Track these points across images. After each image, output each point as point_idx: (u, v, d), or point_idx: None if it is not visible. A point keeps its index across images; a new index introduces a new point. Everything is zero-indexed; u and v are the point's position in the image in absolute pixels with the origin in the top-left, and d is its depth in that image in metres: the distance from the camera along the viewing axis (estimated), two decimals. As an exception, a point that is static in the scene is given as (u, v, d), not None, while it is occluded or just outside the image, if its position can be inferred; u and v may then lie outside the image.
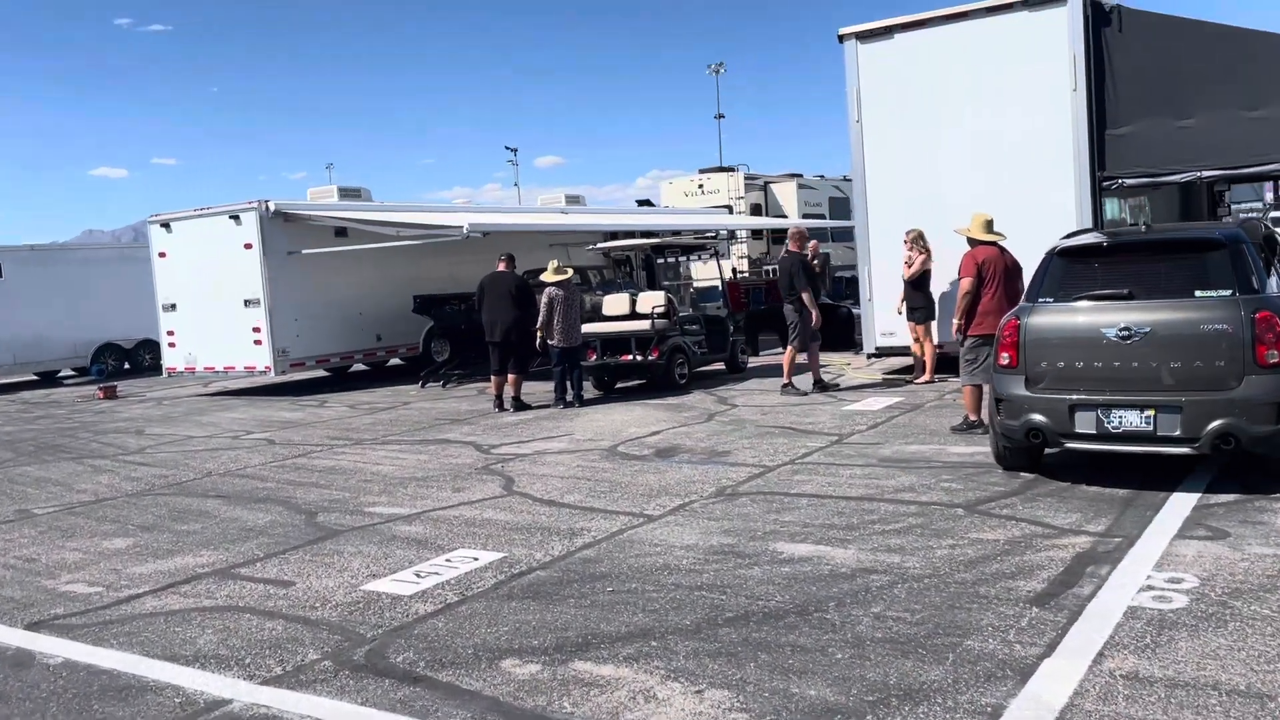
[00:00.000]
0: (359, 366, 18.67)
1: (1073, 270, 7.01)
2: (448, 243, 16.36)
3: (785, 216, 29.17)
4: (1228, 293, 6.38)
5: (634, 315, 13.70)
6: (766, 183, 30.31)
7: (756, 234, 27.75)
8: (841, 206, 32.26)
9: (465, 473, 8.95)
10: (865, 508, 6.72)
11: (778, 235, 28.52)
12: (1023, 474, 7.31)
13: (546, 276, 12.74)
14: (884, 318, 13.03)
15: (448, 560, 6.19)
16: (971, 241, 9.15)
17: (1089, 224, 11.60)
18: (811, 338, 12.14)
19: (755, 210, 29.17)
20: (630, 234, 21.11)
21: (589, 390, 13.38)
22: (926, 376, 12.35)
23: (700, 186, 29.60)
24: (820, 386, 12.16)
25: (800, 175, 31.11)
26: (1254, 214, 17.00)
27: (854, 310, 16.61)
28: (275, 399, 16.15)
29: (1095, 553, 5.45)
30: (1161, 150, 11.31)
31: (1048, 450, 7.22)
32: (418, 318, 17.51)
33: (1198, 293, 6.48)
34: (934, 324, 12.37)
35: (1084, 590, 4.89)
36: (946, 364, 12.53)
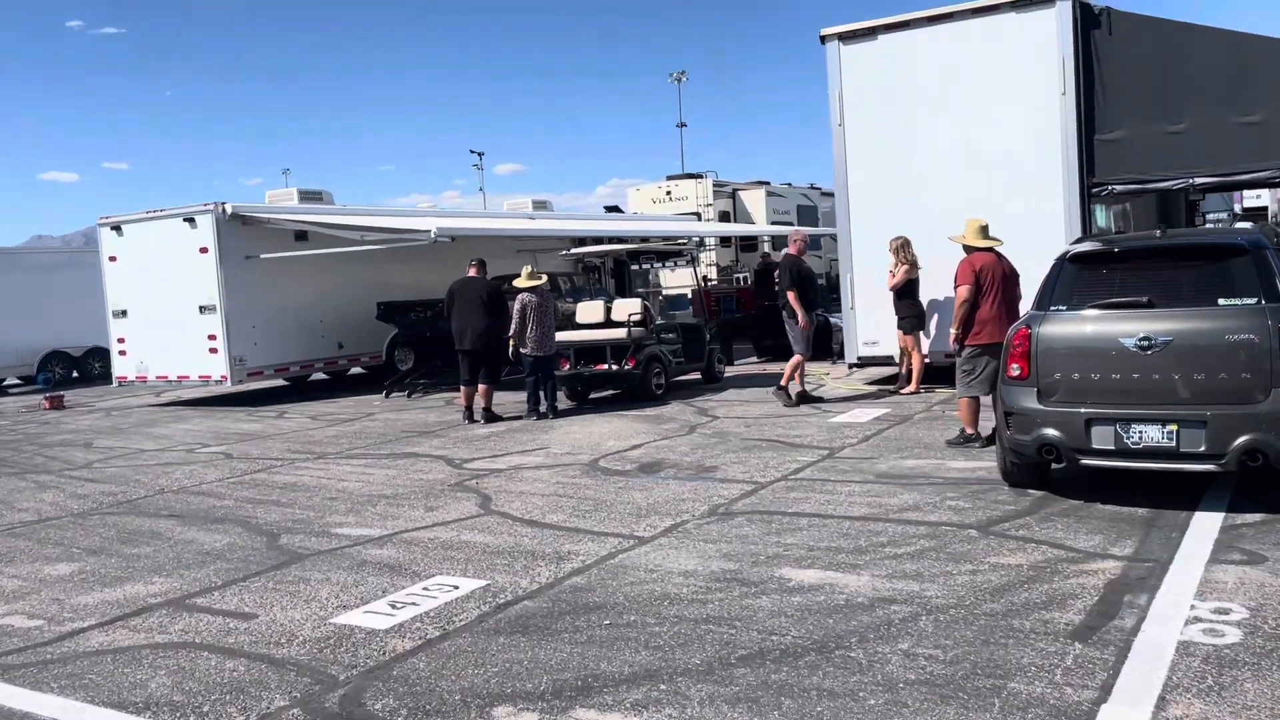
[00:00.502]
0: (319, 375, 18.02)
1: (1086, 277, 6.66)
2: (413, 248, 15.82)
3: (754, 224, 28.91)
4: (1253, 300, 6.05)
5: (609, 323, 13.25)
6: (735, 190, 30.01)
7: (725, 241, 27.43)
8: (809, 214, 32.14)
9: (438, 490, 8.44)
10: (871, 529, 6.31)
11: (746, 243, 28.27)
12: (1031, 491, 6.95)
13: (520, 282, 12.26)
14: (866, 326, 12.68)
15: (425, 589, 5.69)
16: (967, 248, 8.80)
17: (1078, 230, 11.33)
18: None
19: (723, 217, 28.84)
20: (599, 240, 20.72)
21: (562, 401, 12.89)
22: (912, 387, 12.01)
23: (668, 193, 29.21)
24: (803, 398, 11.75)
25: (768, 183, 30.89)
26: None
27: (830, 319, 16.31)
28: (231, 410, 15.50)
29: (1128, 579, 5.07)
30: (1152, 156, 11.08)
31: (1054, 465, 6.86)
32: (381, 325, 16.94)
33: (1221, 301, 6.15)
34: (922, 334, 12.05)
35: (1126, 622, 4.50)
36: (931, 375, 12.24)
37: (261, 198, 18.39)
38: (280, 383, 17.60)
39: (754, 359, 17.77)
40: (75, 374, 23.38)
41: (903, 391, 12.05)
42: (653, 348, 13.13)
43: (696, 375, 14.45)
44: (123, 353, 16.86)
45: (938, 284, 12.10)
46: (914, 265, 11.92)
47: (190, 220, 15.54)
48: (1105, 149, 11.30)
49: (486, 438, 11.05)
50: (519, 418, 12.27)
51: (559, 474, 8.76)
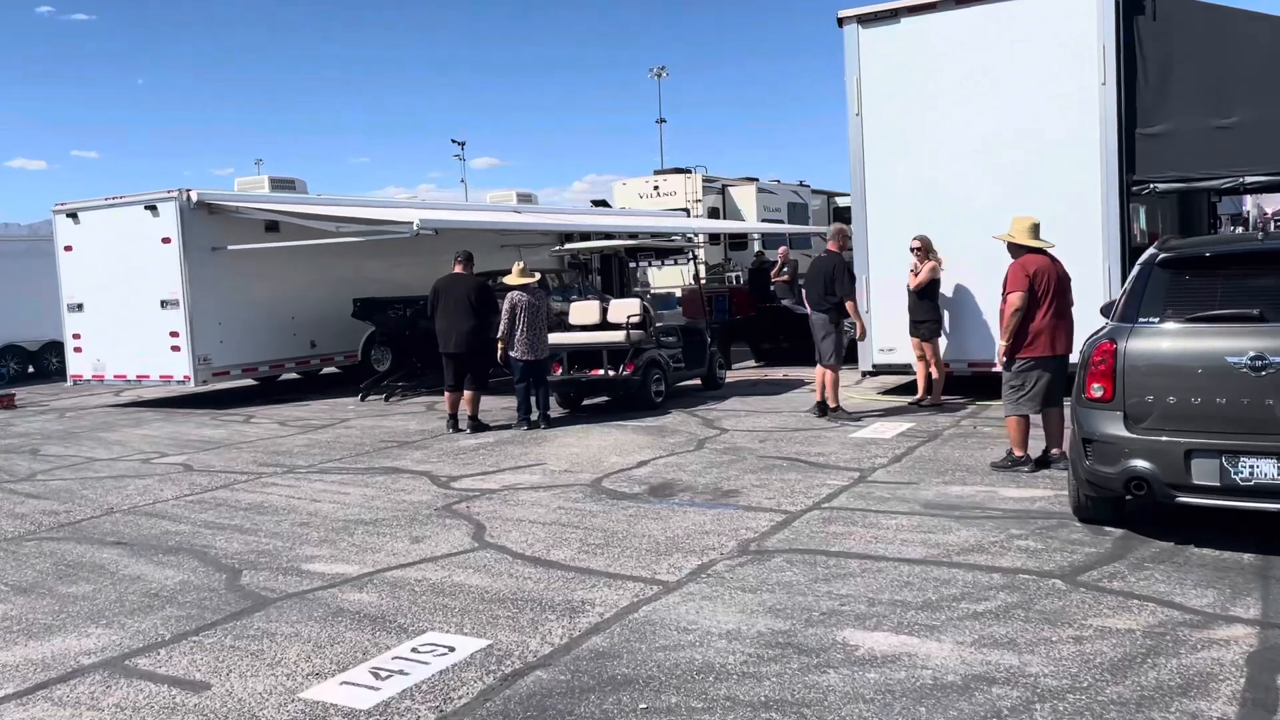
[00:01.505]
0: (289, 376, 16.94)
1: (1180, 284, 5.80)
2: (392, 241, 14.81)
3: (744, 220, 28.10)
4: (1384, 316, 5.21)
5: (605, 325, 12.30)
6: (724, 185, 29.18)
7: (714, 239, 26.56)
8: (799, 212, 31.37)
9: (423, 515, 7.47)
10: (936, 576, 5.41)
11: (735, 241, 27.43)
12: (1108, 529, 6.07)
13: (511, 279, 11.29)
14: (883, 331, 11.79)
15: (415, 651, 4.73)
16: (1014, 249, 7.93)
17: (1117, 232, 10.52)
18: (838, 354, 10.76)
19: (713, 214, 28.01)
20: (586, 235, 19.78)
21: (553, 408, 11.92)
22: (933, 398, 11.14)
23: (656, 188, 28.33)
24: (821, 410, 10.80)
25: (756, 179, 30.14)
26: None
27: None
28: (194, 413, 14.43)
29: (1271, 653, 4.20)
30: (1198, 152, 10.25)
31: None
32: (356, 323, 15.89)
33: (1346, 315, 5.29)
34: (941, 340, 11.19)
35: (1295, 718, 3.62)
36: (950, 386, 11.41)
37: (232, 187, 17.28)
38: (248, 383, 16.52)
39: (751, 363, 16.86)
40: (31, 369, 22.18)
41: (923, 403, 11.18)
42: (652, 352, 12.19)
43: (696, 381, 13.54)
44: (78, 349, 15.73)
45: (958, 287, 11.30)
46: (939, 264, 11.07)
47: (152, 208, 14.44)
48: (1147, 144, 10.47)
49: (474, 450, 10.08)
50: (508, 427, 11.31)
51: (559, 497, 7.81)
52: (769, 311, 17.29)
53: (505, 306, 11.10)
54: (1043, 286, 7.57)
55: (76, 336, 15.71)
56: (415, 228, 12.67)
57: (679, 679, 4.26)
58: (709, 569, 5.75)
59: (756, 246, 26.58)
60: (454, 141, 66.16)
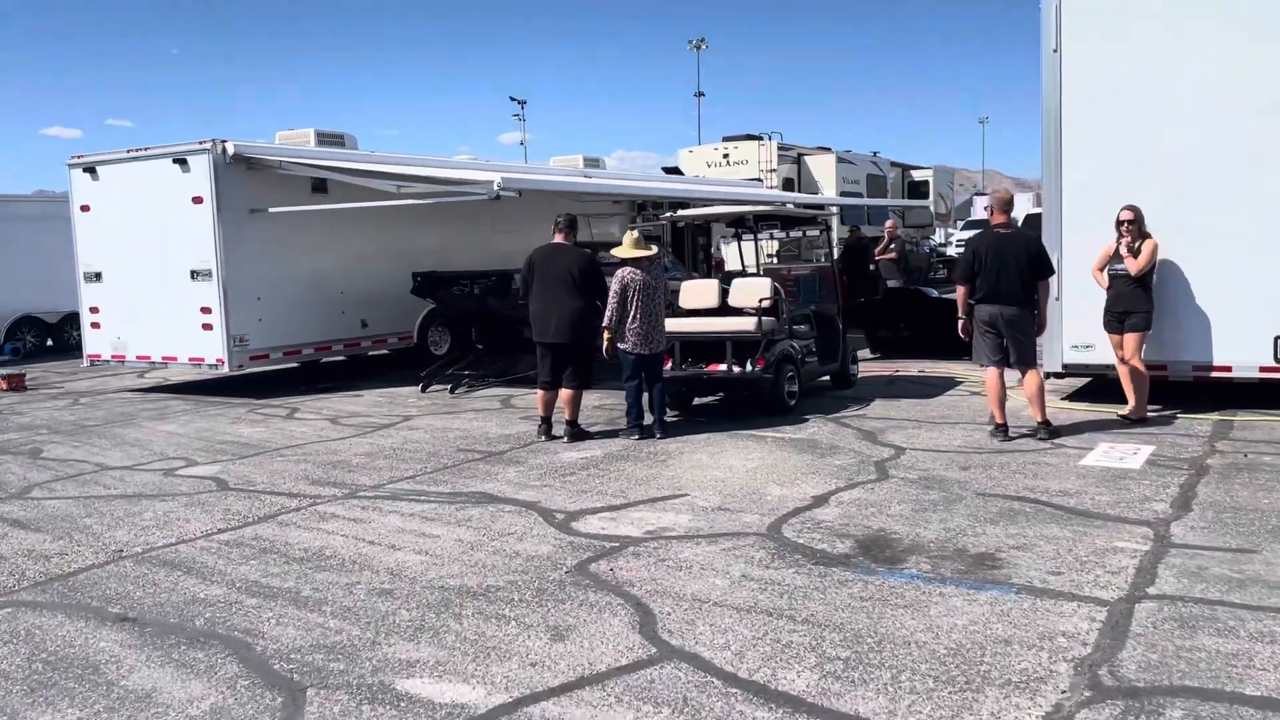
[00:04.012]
0: (334, 358, 14.84)
1: None
2: (457, 206, 12.65)
3: (819, 192, 25.92)
4: None
5: (725, 310, 10.09)
6: (800, 154, 26.97)
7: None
8: (878, 184, 29.13)
9: (552, 581, 5.28)
10: None
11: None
12: None
13: (621, 252, 9.08)
14: (1077, 324, 9.51)
15: None
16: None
17: None
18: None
19: (787, 185, 25.87)
20: (658, 204, 17.66)
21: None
22: (1137, 409, 8.88)
23: (725, 156, 26.23)
24: (1004, 433, 8.45)
25: (832, 149, 27.98)
26: None
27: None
28: (228, 402, 12.34)
29: None
30: None
31: None
32: (411, 301, 13.76)
33: None
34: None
35: None
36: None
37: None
38: (290, 366, 14.43)
39: (866, 353, 14.59)
40: (50, 343, 20.30)
41: (1132, 416, 8.89)
42: (784, 344, 9.95)
43: (826, 378, 11.29)
44: (96, 325, 13.69)
45: (1179, 271, 9.05)
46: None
47: (181, 162, 12.32)
48: None
49: (582, 468, 7.89)
50: (613, 434, 9.14)
51: (734, 556, 5.60)
52: (895, 294, 15.00)
53: (614, 287, 8.91)
54: None
55: (94, 310, 13.67)
56: (496, 187, 10.46)
57: None
58: (1065, 728, 3.53)
59: (835, 222, 24.40)
60: (513, 99, 63.83)
